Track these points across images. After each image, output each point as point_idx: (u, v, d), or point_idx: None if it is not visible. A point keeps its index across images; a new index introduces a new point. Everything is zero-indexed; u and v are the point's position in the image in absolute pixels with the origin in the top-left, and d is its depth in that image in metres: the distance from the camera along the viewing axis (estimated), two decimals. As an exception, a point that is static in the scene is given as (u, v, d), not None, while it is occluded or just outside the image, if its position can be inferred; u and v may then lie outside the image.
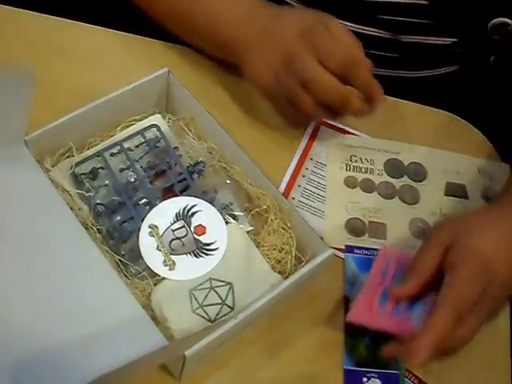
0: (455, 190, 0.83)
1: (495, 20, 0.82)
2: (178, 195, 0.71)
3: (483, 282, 0.63)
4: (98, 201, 0.70)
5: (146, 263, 0.67)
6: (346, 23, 0.86)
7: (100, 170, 0.72)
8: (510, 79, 0.92)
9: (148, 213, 0.69)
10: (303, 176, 0.80)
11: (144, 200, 0.71)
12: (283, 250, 0.70)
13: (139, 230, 0.68)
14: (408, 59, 0.92)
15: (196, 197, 0.70)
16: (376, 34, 0.87)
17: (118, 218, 0.69)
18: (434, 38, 0.88)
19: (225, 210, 0.71)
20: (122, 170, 0.73)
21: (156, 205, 0.70)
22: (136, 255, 0.67)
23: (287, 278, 0.66)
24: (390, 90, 0.90)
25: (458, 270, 0.63)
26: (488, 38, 0.84)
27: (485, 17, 0.82)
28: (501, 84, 0.97)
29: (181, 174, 0.72)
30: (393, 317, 0.67)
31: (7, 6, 0.84)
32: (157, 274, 0.66)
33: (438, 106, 0.90)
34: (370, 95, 0.75)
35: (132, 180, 0.72)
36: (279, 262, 0.70)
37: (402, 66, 0.93)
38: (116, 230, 0.68)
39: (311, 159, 0.81)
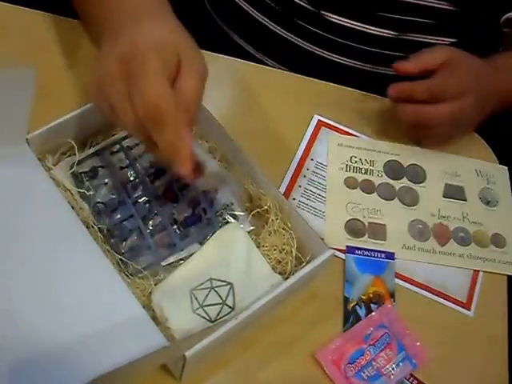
0: (454, 192, 0.83)
1: (509, 14, 0.84)
2: (177, 194, 0.71)
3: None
4: (98, 199, 0.70)
5: (146, 262, 0.67)
6: (349, 21, 0.86)
7: (100, 169, 0.72)
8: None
9: (148, 211, 0.69)
10: (304, 176, 0.80)
11: (144, 198, 0.71)
12: (284, 250, 0.70)
13: (139, 228, 0.68)
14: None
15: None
16: (378, 32, 0.87)
17: (118, 216, 0.69)
18: (436, 38, 0.89)
19: (225, 209, 0.71)
20: (121, 169, 0.73)
21: (155, 203, 0.70)
22: (136, 254, 0.67)
23: (287, 278, 0.66)
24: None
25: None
26: (498, 30, 0.86)
27: (500, 11, 0.85)
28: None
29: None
30: (351, 379, 0.67)
31: (9, 4, 0.83)
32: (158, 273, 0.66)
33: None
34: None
35: (132, 178, 0.72)
36: (280, 262, 0.70)
37: None
38: (116, 228, 0.68)
39: (312, 160, 0.82)
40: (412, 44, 0.89)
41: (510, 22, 0.85)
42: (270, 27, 0.92)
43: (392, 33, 0.87)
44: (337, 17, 0.87)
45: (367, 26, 0.87)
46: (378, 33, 0.87)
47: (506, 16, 0.84)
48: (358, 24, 0.87)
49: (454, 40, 0.90)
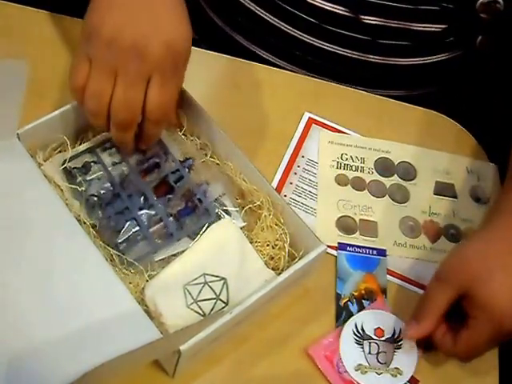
0: (444, 189, 0.84)
1: None
2: (173, 186, 0.71)
3: (492, 334, 0.66)
4: (92, 193, 0.69)
5: (142, 252, 0.67)
6: (334, 6, 0.85)
7: (92, 164, 0.72)
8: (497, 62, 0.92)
9: (143, 203, 0.69)
10: (295, 173, 0.80)
11: (137, 193, 0.70)
12: (276, 246, 0.70)
13: (135, 219, 0.68)
14: (398, 46, 0.90)
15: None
16: (367, 21, 0.85)
17: (112, 210, 0.69)
18: (420, 25, 0.87)
19: (216, 201, 0.71)
20: (114, 164, 0.72)
21: (150, 197, 0.70)
22: (132, 244, 0.67)
23: (280, 274, 0.66)
24: (380, 77, 0.89)
25: (475, 323, 0.66)
26: (475, 17, 0.85)
27: None
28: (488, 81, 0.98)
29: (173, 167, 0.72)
30: (344, 374, 0.68)
31: (6, 2, 0.83)
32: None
33: (429, 102, 0.91)
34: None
35: (125, 174, 0.71)
36: (272, 258, 0.70)
37: (392, 53, 0.91)
38: (111, 219, 0.68)
39: (303, 157, 0.82)
40: (397, 32, 0.88)
41: (487, 7, 0.84)
42: (263, 16, 0.90)
43: (379, 20, 0.85)
44: (325, 2, 0.85)
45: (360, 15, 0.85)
46: (367, 21, 0.85)
47: (480, 1, 0.83)
48: (345, 10, 0.85)
49: (442, 26, 0.88)
